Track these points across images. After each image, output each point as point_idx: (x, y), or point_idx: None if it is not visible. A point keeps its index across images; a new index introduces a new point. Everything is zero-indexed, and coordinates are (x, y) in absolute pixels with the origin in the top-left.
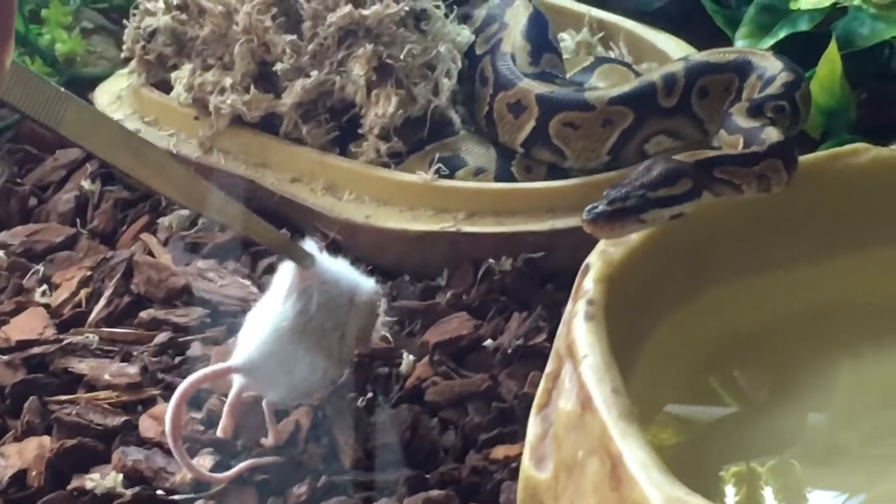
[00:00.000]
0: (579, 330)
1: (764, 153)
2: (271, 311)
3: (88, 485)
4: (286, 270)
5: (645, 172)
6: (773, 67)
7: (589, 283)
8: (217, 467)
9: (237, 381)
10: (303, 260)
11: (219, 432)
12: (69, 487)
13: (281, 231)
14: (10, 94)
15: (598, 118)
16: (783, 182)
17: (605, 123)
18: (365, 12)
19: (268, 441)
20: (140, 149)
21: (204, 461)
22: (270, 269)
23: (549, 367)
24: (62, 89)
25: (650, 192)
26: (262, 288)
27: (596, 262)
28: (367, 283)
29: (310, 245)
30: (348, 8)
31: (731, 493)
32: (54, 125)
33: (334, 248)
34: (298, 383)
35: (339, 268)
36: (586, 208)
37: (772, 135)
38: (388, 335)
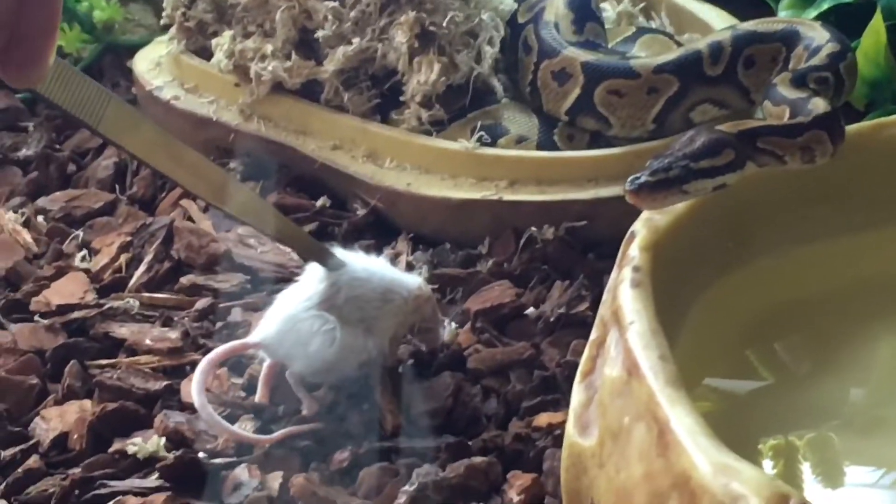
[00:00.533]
0: (625, 297)
1: (808, 124)
2: (298, 295)
3: (130, 449)
4: (315, 271)
5: (688, 143)
6: (820, 38)
7: (634, 251)
8: (258, 433)
9: (265, 353)
10: (331, 263)
11: (257, 399)
12: (110, 450)
13: (307, 231)
14: (51, 91)
15: (643, 86)
16: (828, 154)
17: (651, 91)
18: None
19: (305, 410)
20: (176, 150)
21: (245, 426)
22: (312, 236)
23: (593, 335)
24: (103, 88)
25: (693, 163)
26: None
27: (641, 230)
28: (408, 281)
29: (340, 251)
30: None
31: (768, 465)
32: (94, 124)
33: (375, 216)
34: (315, 354)
35: (376, 265)
36: (629, 178)
37: (818, 105)
38: None
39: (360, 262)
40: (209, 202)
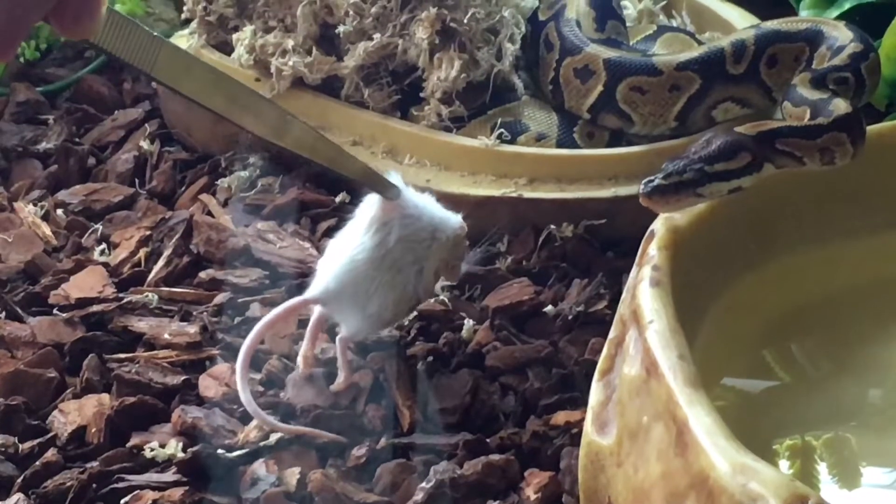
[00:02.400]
0: (645, 296)
1: (828, 126)
2: (350, 242)
3: (148, 453)
4: (370, 203)
5: (705, 145)
6: (843, 38)
7: (654, 250)
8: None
9: (316, 310)
10: (388, 191)
11: (299, 360)
12: (128, 445)
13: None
14: (105, 40)
15: (665, 83)
16: (848, 155)
17: (673, 89)
18: None
19: (337, 383)
20: (231, 89)
21: None
22: (329, 232)
23: (612, 333)
24: (155, 33)
25: (707, 166)
26: (320, 250)
27: (661, 229)
28: (451, 219)
29: (395, 177)
30: None
31: (785, 465)
32: (148, 69)
33: None
34: (372, 316)
35: (424, 202)
36: (644, 181)
37: (839, 107)
38: (446, 299)
39: (411, 197)
40: (267, 139)
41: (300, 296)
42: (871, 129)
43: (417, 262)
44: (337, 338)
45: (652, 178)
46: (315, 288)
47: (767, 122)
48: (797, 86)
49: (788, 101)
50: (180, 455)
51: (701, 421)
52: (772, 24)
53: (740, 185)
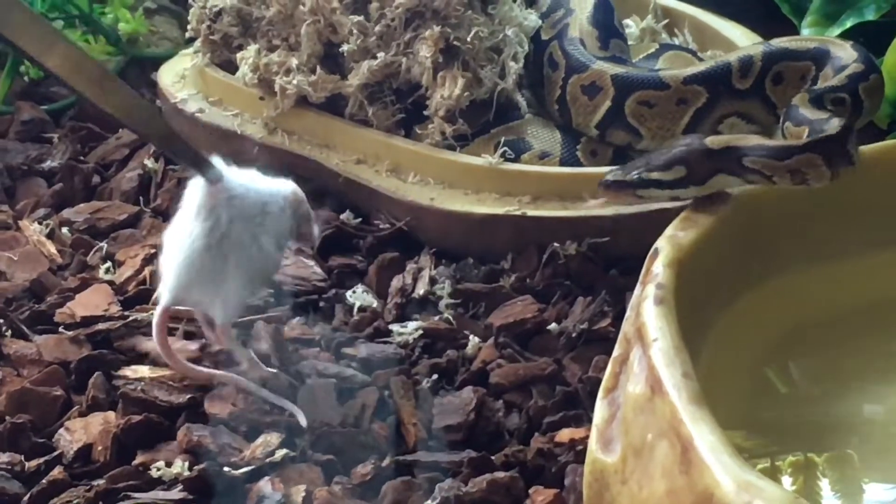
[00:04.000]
0: (649, 313)
1: (800, 148)
2: (183, 233)
3: (155, 473)
4: (195, 189)
5: (663, 152)
6: (847, 58)
7: (658, 267)
8: (282, 445)
9: (161, 301)
10: (210, 174)
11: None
12: (134, 463)
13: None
14: None
15: (672, 97)
16: (824, 178)
17: (680, 102)
18: None
19: (243, 370)
20: (50, 39)
21: (271, 439)
22: (333, 250)
23: (616, 351)
24: None
25: (646, 173)
26: (325, 269)
27: (665, 247)
28: (282, 189)
29: (216, 160)
30: None
31: (788, 482)
32: None
33: (399, 230)
34: (230, 299)
35: (249, 179)
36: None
37: (832, 128)
38: (450, 317)
39: (234, 177)
40: (84, 94)
41: (158, 309)
42: (873, 147)
43: (255, 239)
44: (216, 330)
45: (612, 170)
46: (165, 293)
47: (743, 138)
48: (797, 105)
49: (789, 121)
50: (186, 473)
51: (705, 438)
52: (781, 42)
53: (677, 196)
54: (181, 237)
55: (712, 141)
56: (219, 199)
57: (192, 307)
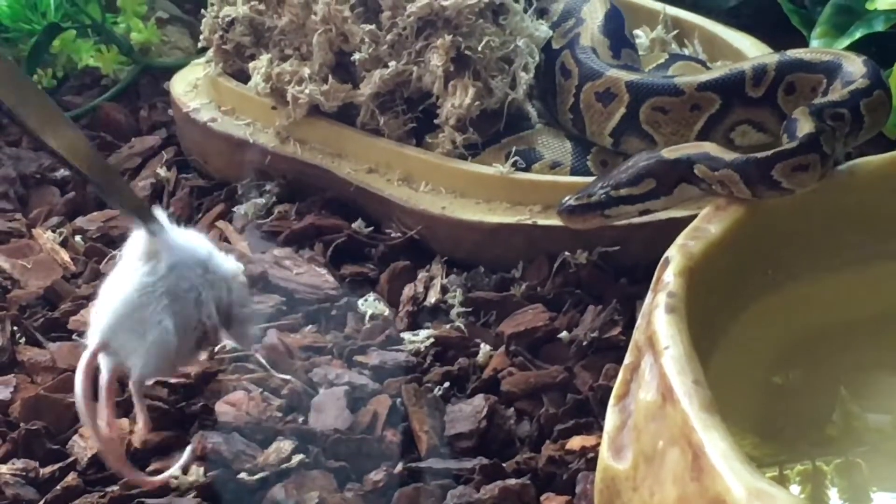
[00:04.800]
0: (660, 322)
1: (728, 163)
2: (120, 278)
3: (172, 483)
4: (136, 239)
5: (623, 169)
6: (856, 73)
7: (669, 276)
8: (295, 452)
9: (103, 362)
10: (152, 225)
11: (100, 422)
12: (148, 470)
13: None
14: None
15: (686, 103)
16: (745, 194)
17: (694, 108)
18: (444, 3)
19: (138, 429)
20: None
21: (284, 446)
22: (345, 258)
23: (627, 359)
24: None
25: (614, 191)
26: (336, 276)
27: (676, 256)
28: (227, 261)
29: (160, 214)
30: None
31: (797, 490)
32: None
33: (410, 239)
34: (155, 345)
35: (192, 238)
36: (563, 199)
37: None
38: (462, 325)
39: (178, 233)
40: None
41: (86, 351)
42: (881, 157)
43: (194, 290)
44: (129, 383)
45: (570, 196)
46: (94, 335)
47: (696, 146)
48: (797, 118)
49: (786, 133)
50: (201, 479)
51: (716, 445)
52: (796, 53)
53: (647, 209)
54: (119, 282)
55: (668, 152)
56: (159, 247)
57: (118, 356)
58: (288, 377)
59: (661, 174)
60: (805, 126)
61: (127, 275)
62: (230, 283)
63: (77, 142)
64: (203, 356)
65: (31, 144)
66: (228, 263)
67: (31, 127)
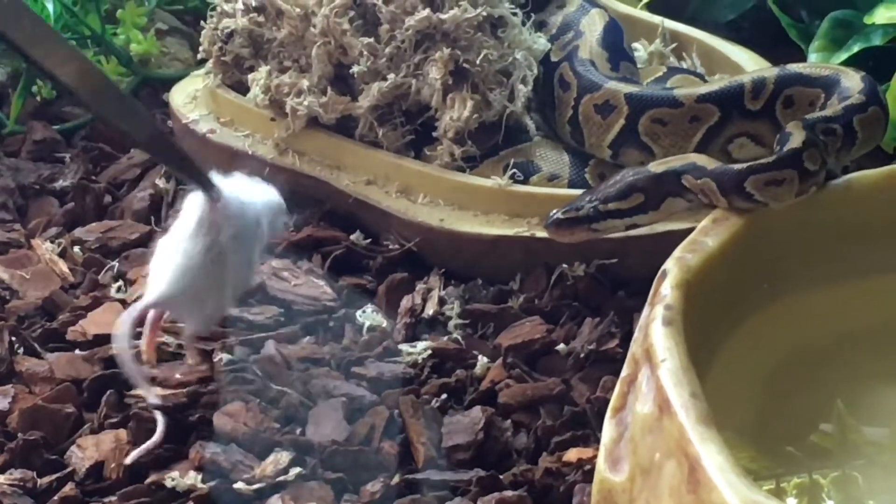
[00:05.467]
0: (657, 334)
1: (707, 172)
2: (181, 244)
3: (168, 483)
4: (194, 201)
5: (611, 183)
6: (853, 88)
7: (666, 289)
8: (293, 464)
9: (146, 298)
10: (212, 192)
11: (144, 357)
12: (147, 481)
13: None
14: None
15: (686, 114)
16: (722, 203)
17: (692, 120)
18: (443, 16)
19: (189, 360)
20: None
21: (281, 457)
22: (343, 270)
23: (624, 372)
24: None
25: (602, 205)
26: (335, 288)
27: (673, 268)
28: (270, 198)
29: (216, 177)
30: (426, 12)
31: (793, 503)
32: None
33: (408, 251)
34: (212, 313)
35: (244, 194)
36: (550, 213)
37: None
38: (459, 337)
39: (232, 195)
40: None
41: (139, 302)
42: (878, 171)
43: (247, 254)
44: (184, 336)
45: (557, 210)
46: (152, 292)
47: (681, 158)
48: (789, 132)
49: (779, 146)
50: (199, 486)
51: (713, 458)
52: (796, 67)
53: (635, 223)
54: (179, 246)
55: (655, 166)
56: (220, 216)
57: (172, 313)
58: (285, 388)
59: (650, 188)
60: (796, 140)
61: (189, 244)
62: (277, 215)
63: (143, 119)
64: None
65: (29, 157)
66: (271, 197)
67: (103, 112)
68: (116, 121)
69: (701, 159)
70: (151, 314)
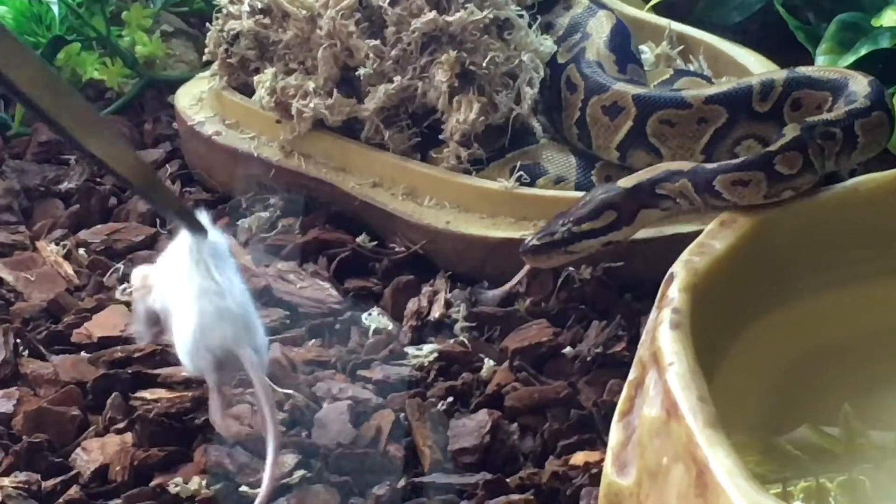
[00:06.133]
0: (665, 338)
1: (683, 174)
2: (197, 287)
3: (172, 489)
4: (182, 243)
5: (581, 205)
6: (859, 92)
7: (674, 292)
8: (298, 466)
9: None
10: (197, 228)
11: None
12: (152, 484)
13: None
14: None
15: (694, 116)
16: (697, 202)
17: (700, 121)
18: (449, 19)
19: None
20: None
21: (287, 460)
22: (348, 272)
23: (631, 375)
24: None
25: (575, 227)
26: (340, 290)
27: (681, 272)
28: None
29: (202, 214)
30: (432, 14)
31: None
32: None
33: (414, 253)
34: (259, 341)
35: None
36: (526, 239)
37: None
38: (465, 340)
39: (211, 230)
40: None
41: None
42: (886, 174)
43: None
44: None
45: (532, 236)
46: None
47: (650, 170)
48: (785, 134)
49: None
50: (204, 492)
51: (721, 462)
52: (805, 70)
53: (610, 241)
54: (195, 295)
55: (624, 182)
56: (214, 252)
57: (231, 363)
58: (291, 391)
59: (621, 204)
60: (776, 143)
61: (207, 282)
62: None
63: (120, 147)
64: None
65: (34, 158)
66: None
67: (74, 134)
68: (98, 153)
69: (674, 165)
70: (212, 391)
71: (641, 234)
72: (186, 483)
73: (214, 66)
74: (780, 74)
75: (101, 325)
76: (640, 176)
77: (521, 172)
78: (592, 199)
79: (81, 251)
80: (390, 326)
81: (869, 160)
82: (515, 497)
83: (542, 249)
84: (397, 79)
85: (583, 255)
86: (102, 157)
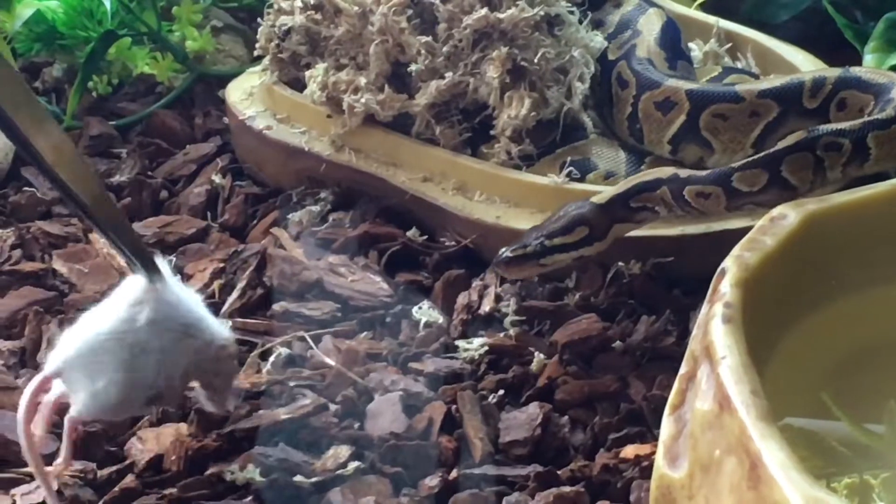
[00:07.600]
0: (717, 332)
1: (663, 182)
2: (98, 316)
3: (228, 476)
4: (129, 284)
5: (555, 219)
6: (894, 100)
7: (726, 287)
8: (352, 458)
9: (55, 386)
10: (150, 272)
11: (61, 460)
12: (206, 473)
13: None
14: None
15: (746, 109)
16: (676, 210)
17: (752, 115)
18: (500, 15)
19: (56, 464)
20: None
21: (341, 451)
22: (399, 266)
23: (683, 369)
24: None
25: (547, 241)
26: (391, 284)
27: (732, 267)
28: (216, 329)
29: (163, 264)
30: (484, 11)
31: None
32: None
33: (465, 248)
34: (99, 393)
35: (188, 297)
36: (500, 251)
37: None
38: (515, 334)
39: (173, 286)
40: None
41: (40, 374)
42: None
43: (164, 353)
44: (66, 417)
45: (505, 249)
46: (53, 361)
47: (622, 185)
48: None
49: None
50: (259, 480)
51: (774, 455)
52: (857, 70)
53: (581, 255)
54: (97, 319)
55: (598, 198)
56: (148, 297)
57: (66, 386)
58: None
59: (594, 221)
60: (755, 155)
61: (106, 315)
62: (217, 352)
63: (88, 176)
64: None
65: (85, 152)
66: (221, 331)
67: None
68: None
69: (647, 175)
70: (31, 384)
71: (690, 230)
72: (242, 470)
73: (265, 61)
74: (832, 73)
75: None
76: (613, 191)
77: (572, 168)
78: (566, 214)
79: None
80: (440, 320)
81: None
82: (566, 489)
83: (514, 262)
84: (449, 75)
85: (554, 268)
86: (66, 181)
